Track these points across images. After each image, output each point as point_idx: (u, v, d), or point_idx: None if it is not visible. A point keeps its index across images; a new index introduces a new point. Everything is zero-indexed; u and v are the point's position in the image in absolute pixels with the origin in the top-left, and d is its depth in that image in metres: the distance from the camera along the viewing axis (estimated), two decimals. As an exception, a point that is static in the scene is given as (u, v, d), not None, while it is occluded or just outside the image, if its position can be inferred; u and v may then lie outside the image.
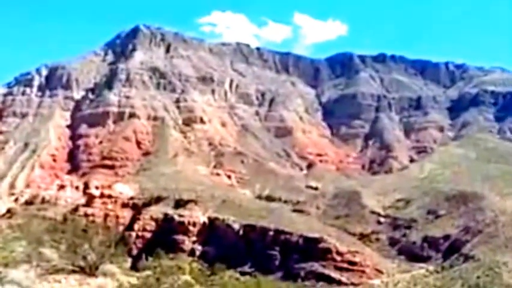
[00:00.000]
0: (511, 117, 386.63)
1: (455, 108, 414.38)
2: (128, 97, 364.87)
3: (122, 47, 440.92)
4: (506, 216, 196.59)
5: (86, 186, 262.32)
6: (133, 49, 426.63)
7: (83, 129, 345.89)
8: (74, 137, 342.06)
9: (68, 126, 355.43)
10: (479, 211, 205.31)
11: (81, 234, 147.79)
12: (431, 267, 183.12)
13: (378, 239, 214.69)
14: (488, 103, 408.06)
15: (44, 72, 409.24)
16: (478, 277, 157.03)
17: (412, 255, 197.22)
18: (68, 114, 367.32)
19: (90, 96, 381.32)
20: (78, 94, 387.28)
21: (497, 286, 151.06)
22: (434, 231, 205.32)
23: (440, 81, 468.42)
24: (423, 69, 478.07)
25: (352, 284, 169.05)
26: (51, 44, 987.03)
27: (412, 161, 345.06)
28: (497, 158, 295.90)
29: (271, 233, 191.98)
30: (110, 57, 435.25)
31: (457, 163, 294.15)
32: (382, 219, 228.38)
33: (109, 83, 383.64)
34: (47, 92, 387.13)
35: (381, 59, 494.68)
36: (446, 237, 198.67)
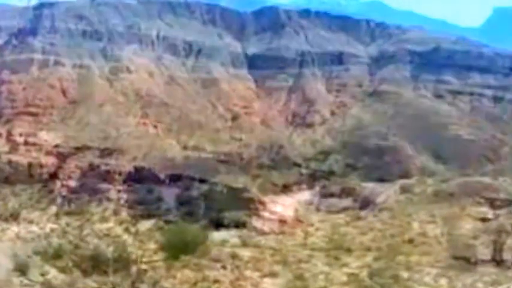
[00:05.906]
0: (426, 75, 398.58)
1: (375, 65, 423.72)
2: (52, 44, 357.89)
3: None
4: (419, 170, 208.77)
5: (9, 133, 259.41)
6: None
7: (6, 75, 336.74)
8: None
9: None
10: (395, 164, 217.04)
11: (3, 181, 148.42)
12: (348, 218, 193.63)
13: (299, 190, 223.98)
14: (405, 61, 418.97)
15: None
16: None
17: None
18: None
19: (13, 41, 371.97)
20: (0, 39, 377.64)
21: (409, 235, 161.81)
22: (352, 184, 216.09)
23: (361, 38, 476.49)
24: (345, 26, 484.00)
25: (274, 232, 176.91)
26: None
27: (333, 114, 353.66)
28: (412, 113, 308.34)
29: (196, 183, 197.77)
30: (34, 2, 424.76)
31: (375, 118, 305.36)
32: (303, 171, 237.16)
33: (33, 29, 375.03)
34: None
35: (305, 14, 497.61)
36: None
